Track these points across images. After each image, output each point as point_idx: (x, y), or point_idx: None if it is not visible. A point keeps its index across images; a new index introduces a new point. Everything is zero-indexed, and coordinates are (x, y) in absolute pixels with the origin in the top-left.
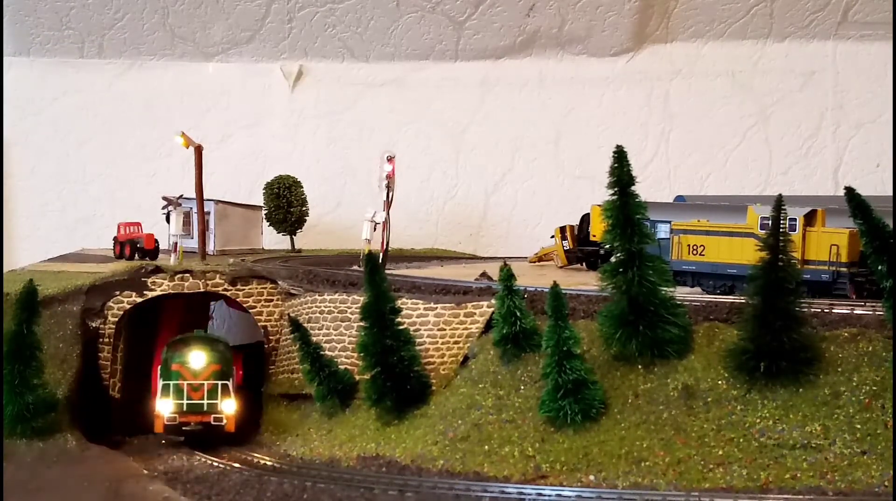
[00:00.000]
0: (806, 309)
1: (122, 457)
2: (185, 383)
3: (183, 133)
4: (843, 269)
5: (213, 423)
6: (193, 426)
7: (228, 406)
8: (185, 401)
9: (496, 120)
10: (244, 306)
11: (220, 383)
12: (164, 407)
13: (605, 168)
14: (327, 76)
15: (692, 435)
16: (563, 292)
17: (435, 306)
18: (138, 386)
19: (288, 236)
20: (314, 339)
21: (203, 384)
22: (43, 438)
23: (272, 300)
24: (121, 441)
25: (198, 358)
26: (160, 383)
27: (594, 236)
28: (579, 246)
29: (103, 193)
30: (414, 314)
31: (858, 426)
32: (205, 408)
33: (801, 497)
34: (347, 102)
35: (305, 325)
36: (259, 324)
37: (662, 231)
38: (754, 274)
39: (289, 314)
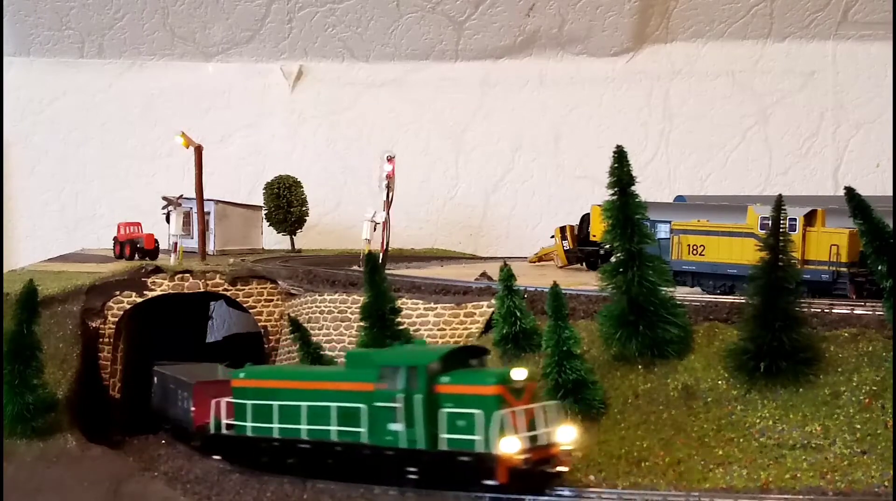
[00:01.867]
0: (806, 309)
1: (122, 457)
2: (514, 411)
3: (183, 133)
4: (843, 269)
5: (563, 458)
6: (554, 465)
7: (568, 434)
8: (522, 434)
9: (496, 120)
10: (244, 306)
11: (554, 404)
12: (511, 446)
13: (605, 168)
14: (327, 76)
15: (692, 435)
16: (563, 292)
17: (435, 306)
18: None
19: (288, 236)
20: (314, 339)
21: (529, 408)
22: (43, 438)
23: (272, 300)
24: (121, 440)
25: (521, 375)
26: (492, 422)
27: (594, 236)
28: (579, 246)
29: (103, 193)
30: (414, 313)
31: (858, 426)
32: (544, 440)
33: (801, 497)
34: (347, 102)
35: (305, 325)
36: (259, 324)
37: (662, 231)
38: (754, 274)
39: (289, 314)
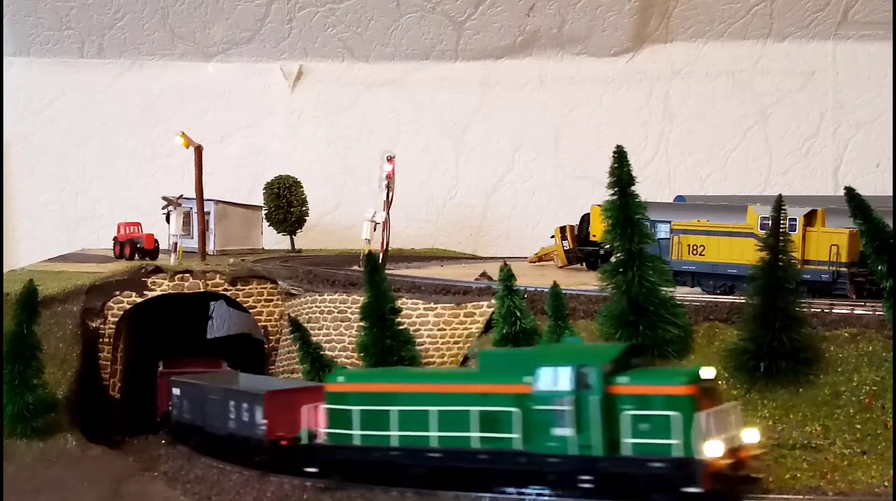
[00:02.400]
0: (806, 309)
1: (122, 457)
2: (712, 412)
3: (183, 133)
4: (843, 269)
5: (754, 462)
6: (749, 470)
7: (753, 436)
8: (722, 437)
9: (496, 120)
10: (244, 306)
11: (735, 404)
12: (716, 450)
13: (605, 168)
14: (327, 76)
15: None
16: (563, 292)
17: (435, 306)
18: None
19: (288, 236)
20: (314, 339)
21: (721, 409)
22: (43, 438)
23: (272, 300)
24: (121, 440)
25: (710, 373)
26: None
27: (594, 236)
28: (579, 246)
29: (103, 193)
30: (414, 313)
31: (858, 426)
32: (735, 443)
33: (801, 497)
34: (347, 102)
35: (305, 325)
36: (259, 324)
37: (662, 231)
38: (754, 274)
39: (289, 314)
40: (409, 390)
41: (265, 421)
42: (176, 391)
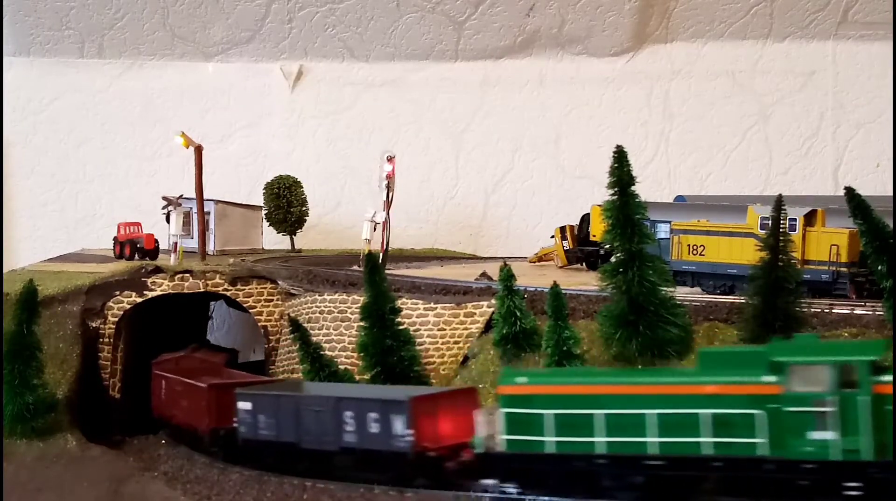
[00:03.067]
0: (806, 309)
1: (122, 457)
2: None
3: (183, 133)
4: (843, 269)
5: None
6: None
7: None
8: None
9: (496, 120)
10: (244, 306)
11: None
12: None
13: (605, 168)
14: (327, 76)
15: None
16: (563, 292)
17: (435, 306)
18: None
19: (288, 236)
20: (314, 339)
21: None
22: (43, 438)
23: (272, 300)
24: (121, 440)
25: None
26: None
27: (594, 236)
28: (579, 246)
29: (103, 193)
30: (414, 313)
31: None
32: None
33: None
34: (347, 102)
35: (305, 325)
36: (259, 324)
37: (662, 231)
38: (754, 274)
39: (289, 314)
40: (618, 391)
41: (411, 431)
42: (245, 405)
